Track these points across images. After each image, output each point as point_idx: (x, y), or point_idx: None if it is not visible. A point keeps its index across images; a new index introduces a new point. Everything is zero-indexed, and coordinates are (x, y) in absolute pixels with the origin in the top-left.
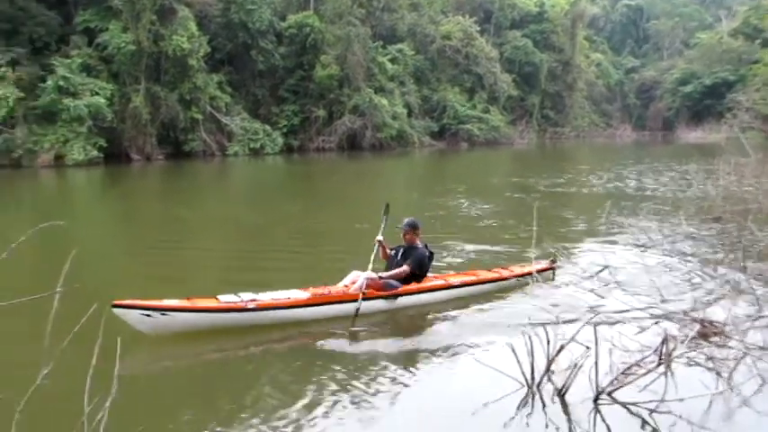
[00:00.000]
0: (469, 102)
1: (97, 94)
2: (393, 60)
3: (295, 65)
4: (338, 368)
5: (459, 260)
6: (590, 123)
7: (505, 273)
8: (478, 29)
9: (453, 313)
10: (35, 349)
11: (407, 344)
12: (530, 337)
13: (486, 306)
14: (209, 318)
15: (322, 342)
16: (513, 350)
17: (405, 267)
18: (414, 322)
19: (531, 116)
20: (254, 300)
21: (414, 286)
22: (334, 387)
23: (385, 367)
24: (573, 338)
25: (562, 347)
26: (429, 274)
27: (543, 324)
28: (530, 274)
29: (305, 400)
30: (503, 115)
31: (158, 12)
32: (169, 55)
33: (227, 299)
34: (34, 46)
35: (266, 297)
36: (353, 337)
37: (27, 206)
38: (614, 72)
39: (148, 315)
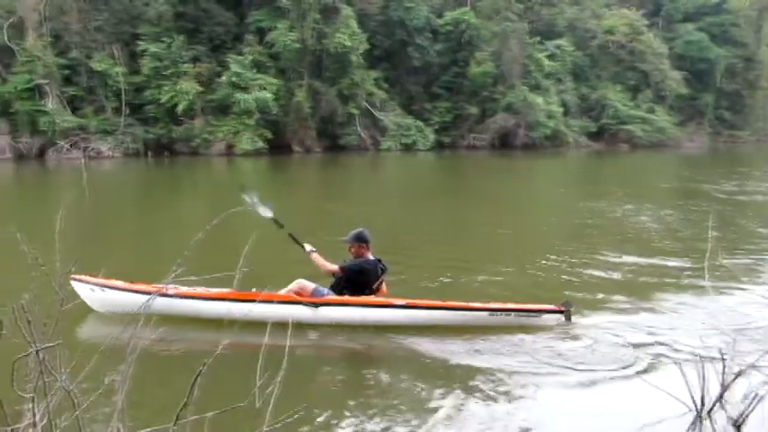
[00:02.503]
0: (632, 101)
1: (264, 89)
2: (551, 57)
3: (449, 61)
4: (496, 378)
5: (618, 273)
6: None
7: (476, 303)
8: (646, 22)
9: (612, 324)
10: (215, 323)
11: (566, 356)
12: (701, 359)
13: (649, 320)
14: (136, 298)
15: (462, 350)
16: (682, 371)
17: (335, 266)
18: (571, 333)
19: (703, 117)
20: (176, 287)
21: (342, 298)
22: (490, 395)
23: (543, 380)
24: (753, 365)
25: (740, 373)
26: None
27: (718, 346)
28: (518, 311)
29: (461, 403)
30: (670, 116)
31: (322, 11)
32: (331, 52)
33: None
34: (213, 44)
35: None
36: (516, 346)
37: (209, 190)
38: None
39: (92, 290)
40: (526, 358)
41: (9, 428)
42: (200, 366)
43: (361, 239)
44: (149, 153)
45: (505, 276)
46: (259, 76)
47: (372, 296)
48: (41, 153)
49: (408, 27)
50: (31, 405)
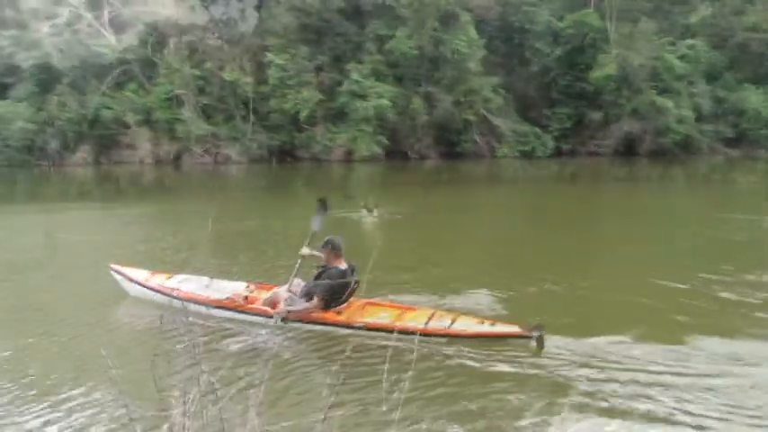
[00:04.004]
0: None
1: (382, 96)
2: (682, 58)
3: (570, 66)
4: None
5: (757, 298)
6: None
7: (439, 326)
8: None
9: (757, 359)
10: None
11: (708, 393)
12: None
13: None
14: (141, 290)
15: (599, 377)
16: None
17: (314, 301)
18: (712, 369)
19: None
20: (178, 288)
21: (308, 315)
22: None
23: (689, 419)
24: None
25: None
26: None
27: None
28: (480, 336)
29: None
30: None
31: (441, 18)
32: (448, 59)
33: (179, 277)
34: (334, 53)
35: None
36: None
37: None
38: None
39: (123, 280)
40: (669, 397)
41: (163, 413)
42: (337, 371)
43: (331, 246)
44: (274, 159)
45: (633, 300)
46: (377, 84)
47: (342, 309)
48: (177, 158)
49: (527, 32)
50: (179, 393)
